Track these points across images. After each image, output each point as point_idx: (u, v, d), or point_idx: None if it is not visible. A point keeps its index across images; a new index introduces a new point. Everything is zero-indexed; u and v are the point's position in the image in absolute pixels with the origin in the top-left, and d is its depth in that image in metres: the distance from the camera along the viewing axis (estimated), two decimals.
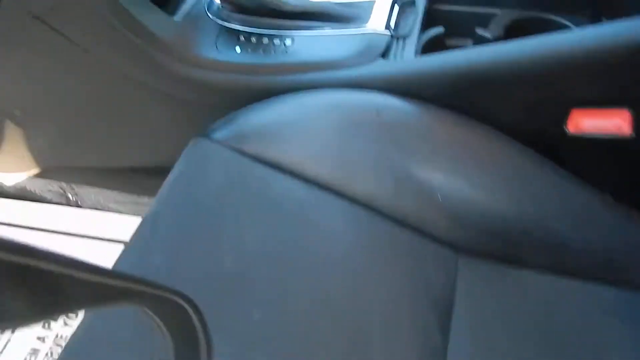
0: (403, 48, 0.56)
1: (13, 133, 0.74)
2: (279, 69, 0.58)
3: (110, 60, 0.58)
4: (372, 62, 0.55)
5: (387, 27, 0.59)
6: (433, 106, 0.53)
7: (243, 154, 0.52)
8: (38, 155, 0.78)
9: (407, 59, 0.54)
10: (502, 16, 0.64)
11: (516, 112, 0.52)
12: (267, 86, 0.59)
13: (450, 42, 0.65)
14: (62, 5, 0.52)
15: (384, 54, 0.56)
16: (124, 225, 0.83)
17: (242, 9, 0.62)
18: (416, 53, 0.56)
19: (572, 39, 0.46)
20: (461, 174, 0.51)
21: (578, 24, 0.62)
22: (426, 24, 0.64)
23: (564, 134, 0.50)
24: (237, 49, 0.60)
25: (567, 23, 0.62)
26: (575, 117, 0.48)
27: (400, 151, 0.51)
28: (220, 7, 0.63)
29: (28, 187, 0.86)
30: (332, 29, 0.60)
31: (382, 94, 0.53)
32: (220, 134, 0.54)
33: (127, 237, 0.82)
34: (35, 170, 0.81)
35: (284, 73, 0.58)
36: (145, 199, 0.82)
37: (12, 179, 0.86)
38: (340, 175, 0.51)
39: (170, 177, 0.51)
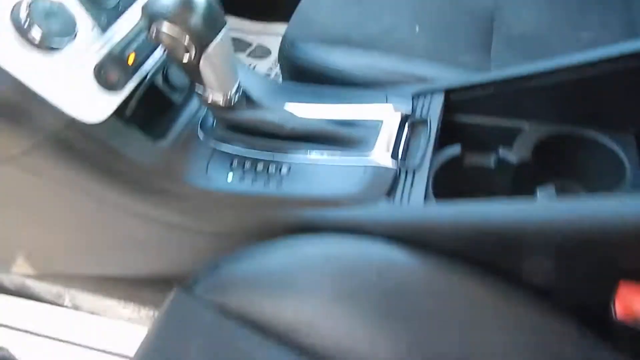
0: (412, 185, 0.49)
1: (8, 237, 0.72)
2: (272, 202, 0.52)
3: (95, 191, 0.54)
4: (375, 203, 0.48)
5: (394, 155, 0.52)
6: (445, 260, 0.45)
7: (226, 313, 0.46)
8: (34, 261, 0.75)
9: (415, 205, 0.47)
10: (531, 132, 0.56)
11: (551, 276, 0.43)
12: (258, 220, 0.53)
13: (468, 159, 0.57)
14: (38, 146, 0.48)
15: (390, 192, 0.49)
16: (121, 334, 0.78)
17: (237, 129, 0.57)
18: (426, 193, 0.48)
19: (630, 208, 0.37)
20: (480, 347, 0.42)
21: (622, 143, 0.53)
22: (442, 139, 0.56)
23: (609, 305, 0.41)
24: (230, 176, 0.55)
25: (610, 143, 0.53)
26: (625, 295, 0.38)
27: (406, 318, 0.43)
28: (214, 125, 0.58)
29: (27, 285, 0.84)
30: (333, 155, 0.53)
31: (385, 243, 0.46)
32: (202, 287, 0.48)
33: (124, 349, 0.78)
34: (33, 273, 0.78)
35: (278, 207, 0.52)
36: (144, 311, 0.77)
37: (11, 277, 0.84)
38: (334, 346, 0.43)
39: (144, 343, 0.45)
